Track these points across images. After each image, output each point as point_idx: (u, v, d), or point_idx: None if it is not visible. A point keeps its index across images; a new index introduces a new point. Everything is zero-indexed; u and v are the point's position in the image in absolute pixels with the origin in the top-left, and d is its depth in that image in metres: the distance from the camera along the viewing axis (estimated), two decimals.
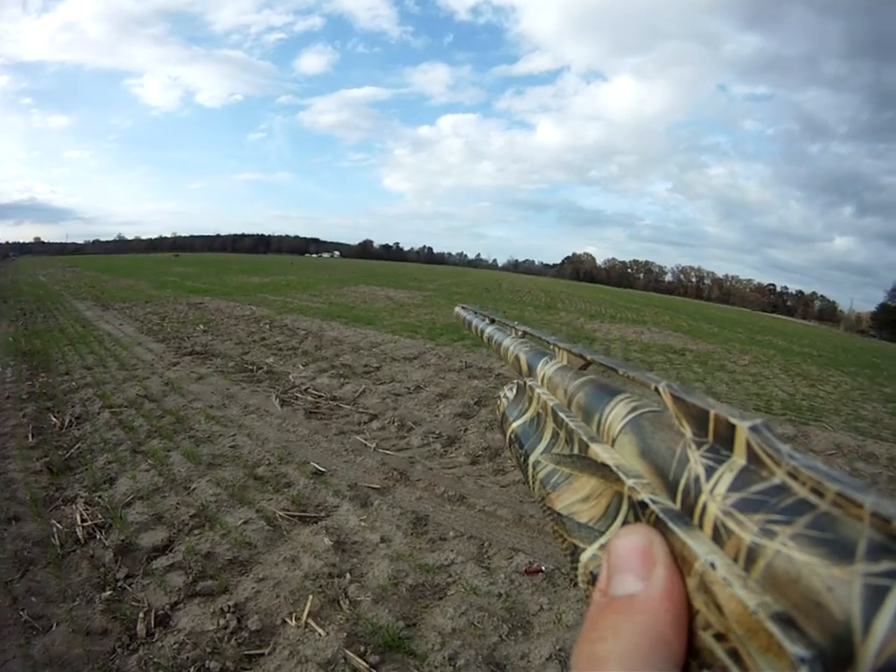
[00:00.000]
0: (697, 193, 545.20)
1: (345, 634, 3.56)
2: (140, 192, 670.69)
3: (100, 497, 5.13)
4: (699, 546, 0.31)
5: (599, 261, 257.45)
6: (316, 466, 6.05)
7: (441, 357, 12.36)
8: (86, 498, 5.10)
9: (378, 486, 5.69)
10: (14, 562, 4.21)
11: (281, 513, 4.96)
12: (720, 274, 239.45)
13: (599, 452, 0.46)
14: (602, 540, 0.43)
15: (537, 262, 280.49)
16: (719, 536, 0.31)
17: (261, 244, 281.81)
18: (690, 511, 0.34)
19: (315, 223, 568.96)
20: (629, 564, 0.35)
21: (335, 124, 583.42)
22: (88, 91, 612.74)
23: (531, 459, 0.62)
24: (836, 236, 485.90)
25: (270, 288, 29.28)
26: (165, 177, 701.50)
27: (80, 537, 4.52)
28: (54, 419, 7.21)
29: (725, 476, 0.32)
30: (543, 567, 4.41)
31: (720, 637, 0.29)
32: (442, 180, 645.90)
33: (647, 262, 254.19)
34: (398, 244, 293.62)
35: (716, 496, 0.32)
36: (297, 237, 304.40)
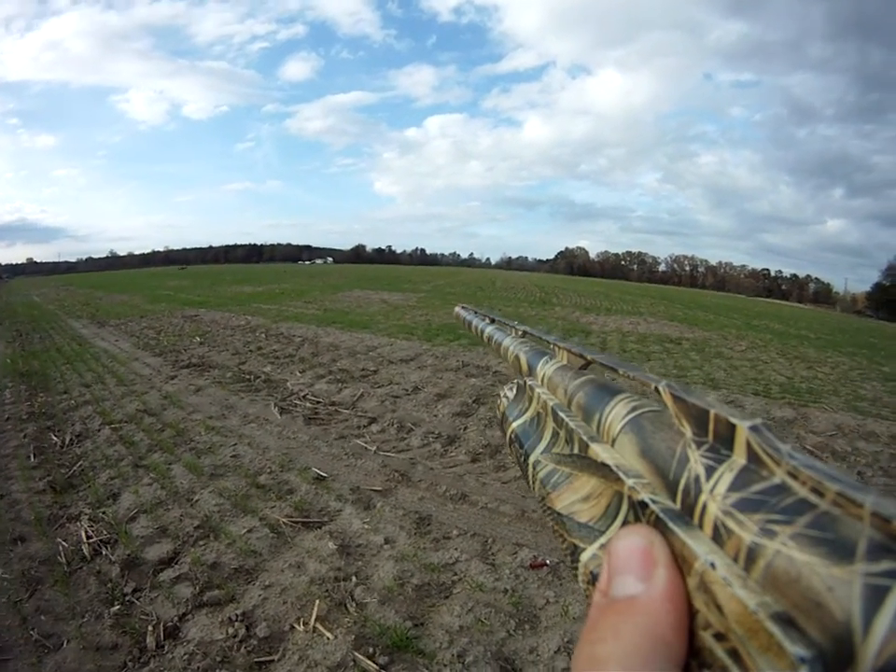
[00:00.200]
0: (688, 182, 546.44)
1: (353, 636, 3.58)
2: (130, 208, 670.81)
3: (104, 513, 5.14)
4: (699, 546, 0.32)
5: (592, 255, 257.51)
6: (318, 471, 6.06)
7: (437, 358, 12.36)
8: (90, 515, 5.11)
9: (380, 488, 5.70)
10: (22, 582, 4.22)
11: (284, 520, 4.97)
12: (713, 262, 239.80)
13: (599, 451, 0.46)
14: (602, 540, 0.43)
15: (530, 259, 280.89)
16: (719, 535, 0.31)
17: (254, 253, 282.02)
18: (690, 510, 0.34)
19: (307, 230, 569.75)
20: (630, 565, 0.35)
21: (322, 130, 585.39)
22: (74, 108, 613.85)
23: (531, 459, 0.62)
24: (828, 218, 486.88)
25: (264, 297, 29.26)
26: (155, 191, 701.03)
27: (86, 553, 4.53)
28: (55, 438, 7.21)
29: (725, 476, 0.33)
30: (548, 561, 4.42)
31: (720, 636, 0.29)
32: (432, 181, 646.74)
33: (640, 253, 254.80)
34: (390, 247, 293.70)
35: (716, 495, 0.32)
36: (289, 245, 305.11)
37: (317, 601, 3.89)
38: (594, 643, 0.33)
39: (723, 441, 0.34)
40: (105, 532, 4.81)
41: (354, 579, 4.19)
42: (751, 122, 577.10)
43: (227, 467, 6.21)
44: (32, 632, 3.67)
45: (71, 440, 7.17)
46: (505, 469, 6.18)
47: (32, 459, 6.54)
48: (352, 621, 3.74)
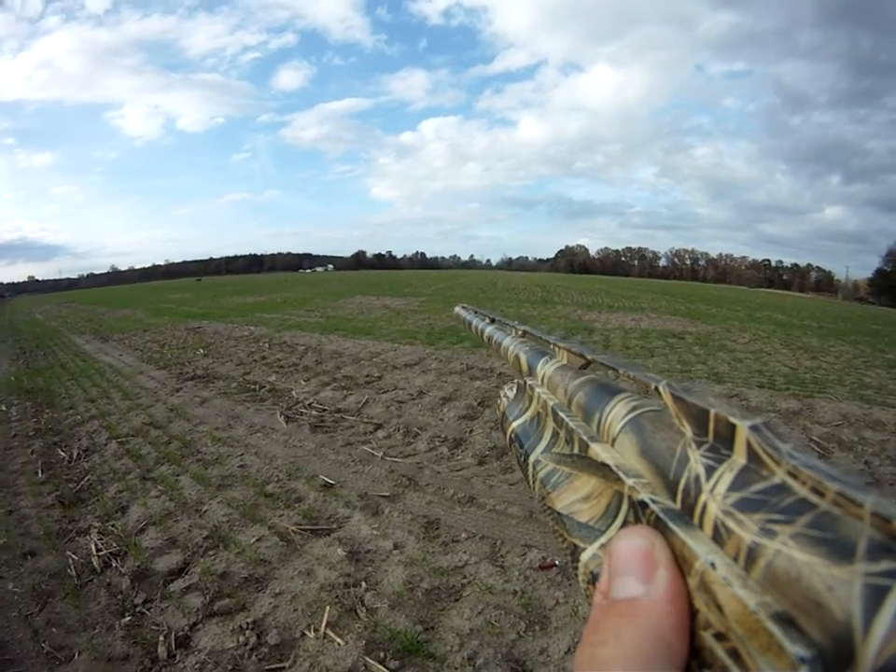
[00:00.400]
0: (685, 176, 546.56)
1: (364, 642, 3.58)
2: (130, 223, 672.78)
3: (113, 525, 5.15)
4: (699, 546, 0.31)
5: (593, 252, 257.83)
6: (325, 479, 6.06)
7: (441, 361, 12.35)
8: (99, 528, 5.13)
9: (388, 494, 5.71)
10: (33, 595, 4.24)
11: (293, 528, 4.98)
12: (714, 254, 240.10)
13: (599, 451, 0.46)
14: (602, 540, 0.43)
15: (530, 258, 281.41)
16: (719, 535, 0.31)
17: (255, 263, 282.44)
18: (690, 510, 0.34)
19: (307, 238, 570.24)
20: (631, 566, 0.35)
21: (318, 138, 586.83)
22: (70, 126, 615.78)
23: (531, 459, 0.62)
24: (826, 206, 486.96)
25: (266, 307, 29.23)
26: (154, 206, 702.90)
27: (96, 566, 4.56)
28: (62, 453, 7.24)
29: (725, 475, 0.32)
30: (557, 562, 4.42)
31: (720, 636, 0.29)
32: (430, 185, 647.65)
33: (640, 249, 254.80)
34: (390, 252, 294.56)
35: (716, 495, 0.32)
36: (289, 254, 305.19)
37: (328, 607, 3.90)
38: (595, 645, 0.33)
39: (723, 440, 0.34)
40: (114, 544, 4.84)
41: (363, 584, 4.20)
42: (745, 112, 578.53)
43: (234, 477, 6.22)
44: (43, 644, 3.70)
45: (78, 454, 7.20)
46: (512, 472, 6.16)
47: (40, 475, 6.57)
48: (362, 626, 3.74)
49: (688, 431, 0.37)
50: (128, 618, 3.92)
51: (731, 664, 0.28)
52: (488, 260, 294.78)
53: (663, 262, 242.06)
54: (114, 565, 4.57)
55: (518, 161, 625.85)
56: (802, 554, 0.25)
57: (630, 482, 0.39)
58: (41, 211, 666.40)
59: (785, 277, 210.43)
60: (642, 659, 0.30)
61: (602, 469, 0.45)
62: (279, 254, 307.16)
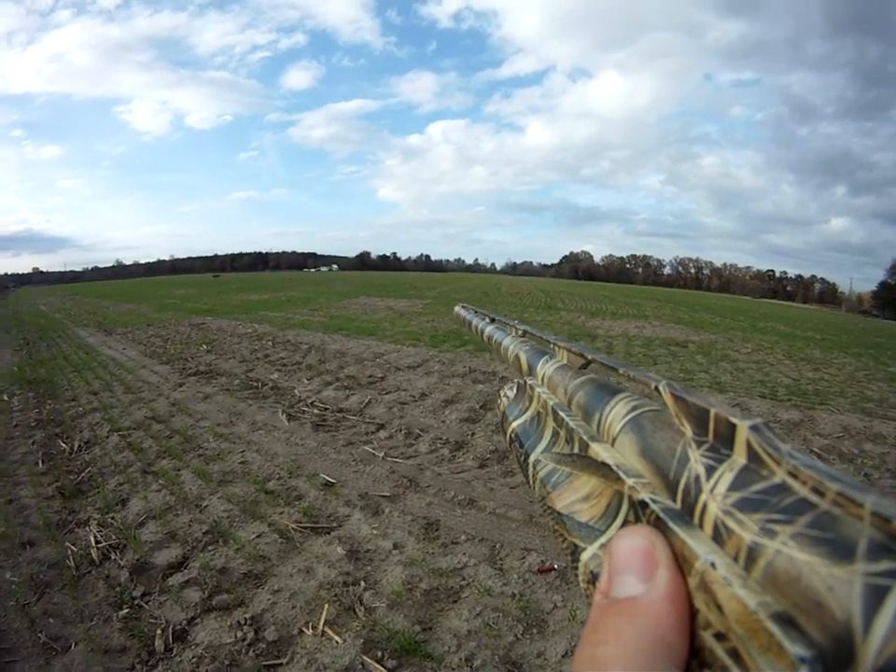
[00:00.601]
0: (691, 184, 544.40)
1: (362, 640, 3.58)
2: (136, 217, 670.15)
3: (113, 518, 5.16)
4: (699, 545, 0.32)
5: (597, 259, 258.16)
6: (326, 477, 6.07)
7: (444, 364, 12.34)
8: (99, 520, 5.14)
9: (388, 494, 5.71)
10: (30, 585, 4.25)
11: (293, 526, 4.98)
12: (718, 264, 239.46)
13: (599, 451, 0.46)
14: (602, 540, 0.43)
15: (535, 263, 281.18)
16: (719, 535, 0.31)
17: (259, 261, 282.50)
18: (690, 510, 0.34)
19: (312, 238, 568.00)
20: (631, 565, 0.35)
21: (325, 138, 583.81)
22: (78, 119, 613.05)
23: (531, 458, 0.62)
24: (832, 217, 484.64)
25: (270, 305, 29.26)
26: (160, 201, 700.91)
27: (95, 558, 4.56)
28: (63, 445, 7.26)
29: (726, 475, 0.33)
30: (556, 566, 4.42)
31: (720, 636, 0.29)
32: (436, 187, 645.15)
33: (645, 256, 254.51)
34: (395, 253, 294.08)
35: (716, 495, 0.32)
36: (294, 253, 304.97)
37: (326, 605, 3.90)
38: (595, 645, 0.33)
39: (724, 440, 0.34)
40: (113, 537, 4.84)
41: (362, 583, 4.20)
42: (753, 122, 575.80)
43: (235, 473, 6.23)
44: (40, 634, 3.70)
45: (79, 446, 7.22)
46: (513, 475, 6.17)
47: (40, 465, 6.59)
48: (361, 625, 3.74)
49: (688, 431, 0.37)
50: (126, 610, 3.92)
51: (731, 663, 0.28)
52: (493, 264, 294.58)
53: (667, 270, 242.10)
54: (113, 557, 4.58)
55: (525, 165, 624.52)
56: (802, 554, 0.25)
57: (630, 481, 0.40)
58: (47, 203, 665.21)
59: (789, 288, 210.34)
60: (643, 659, 0.30)
61: (602, 469, 0.45)
62: (284, 252, 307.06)
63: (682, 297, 70.67)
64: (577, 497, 0.49)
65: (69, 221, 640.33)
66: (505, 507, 5.44)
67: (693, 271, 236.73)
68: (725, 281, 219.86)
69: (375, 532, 4.93)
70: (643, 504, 0.37)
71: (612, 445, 0.47)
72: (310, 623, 3.75)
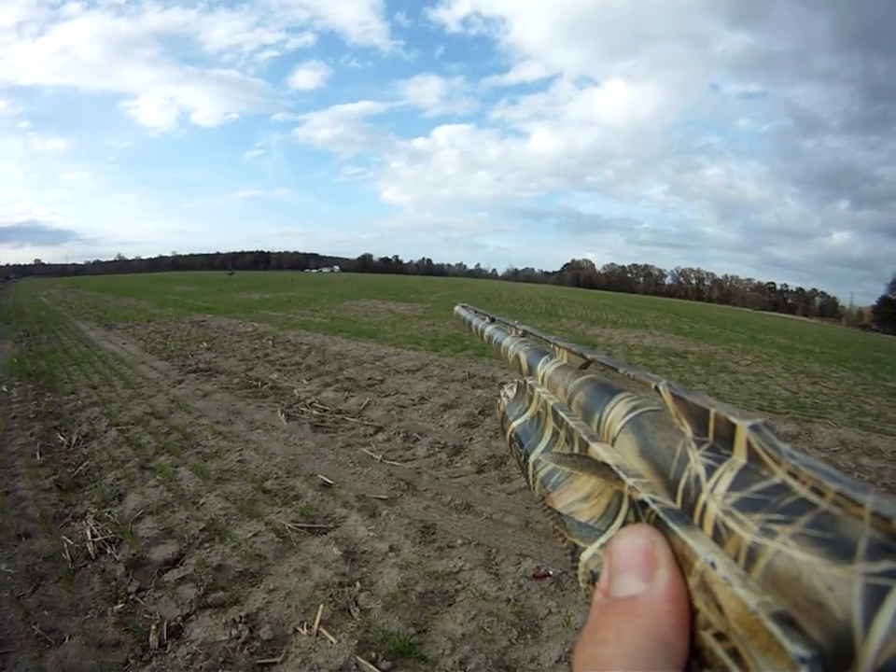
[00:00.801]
0: (694, 194, 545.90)
1: (357, 641, 3.59)
2: (139, 212, 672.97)
3: (110, 512, 5.16)
4: (699, 545, 0.32)
5: (599, 267, 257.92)
6: (324, 478, 6.06)
7: (444, 368, 12.34)
8: (96, 514, 5.13)
9: (385, 497, 5.71)
10: (26, 577, 4.24)
11: (290, 525, 4.98)
12: (719, 275, 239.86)
13: (599, 451, 0.46)
14: (602, 540, 0.43)
15: (536, 270, 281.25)
16: (719, 535, 0.31)
17: (261, 260, 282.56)
18: (690, 510, 0.35)
19: (315, 238, 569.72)
20: (631, 564, 0.35)
21: (331, 139, 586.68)
22: (85, 113, 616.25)
23: (531, 458, 0.61)
24: (834, 231, 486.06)
25: (271, 305, 29.24)
26: (164, 197, 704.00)
27: (91, 552, 4.56)
28: (61, 438, 7.25)
29: (726, 475, 0.33)
30: (551, 572, 4.42)
31: (720, 636, 0.29)
32: (440, 191, 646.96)
33: (646, 266, 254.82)
34: (397, 256, 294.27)
35: (716, 495, 0.32)
36: (296, 253, 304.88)
37: (321, 606, 3.90)
38: (595, 644, 0.33)
39: (724, 440, 0.34)
40: (110, 531, 4.84)
41: (358, 585, 4.20)
42: (758, 134, 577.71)
43: (233, 471, 6.23)
44: (34, 626, 3.70)
45: (78, 440, 7.21)
46: (510, 481, 6.17)
47: (38, 458, 6.58)
48: (355, 626, 3.74)
49: (688, 431, 0.38)
50: (121, 605, 3.92)
51: (731, 663, 0.28)
52: (494, 270, 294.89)
53: (668, 280, 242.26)
54: (109, 551, 4.58)
55: (529, 172, 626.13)
56: (802, 554, 0.26)
57: (630, 481, 0.40)
58: (52, 196, 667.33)
59: (790, 301, 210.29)
60: (643, 658, 0.30)
61: (602, 469, 0.45)
62: (286, 252, 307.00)
63: (683, 307, 70.60)
64: (577, 496, 0.49)
65: (73, 214, 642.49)
66: (502, 512, 5.44)
67: (694, 281, 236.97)
68: (726, 292, 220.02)
69: (372, 534, 4.93)
70: (643, 504, 0.38)
71: (612, 445, 0.47)
72: (305, 623, 3.75)
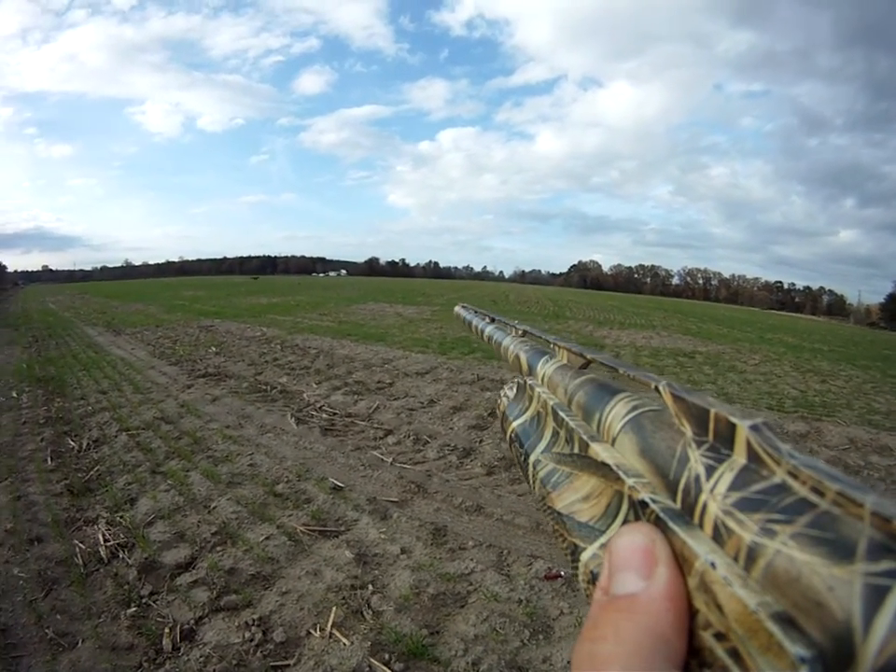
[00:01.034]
0: (700, 194, 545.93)
1: (369, 643, 3.59)
2: (146, 218, 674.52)
3: (121, 517, 5.17)
4: (699, 545, 0.32)
5: (606, 268, 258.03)
6: (335, 481, 6.07)
7: (452, 371, 12.35)
8: (107, 519, 5.15)
9: (396, 499, 5.72)
10: (38, 581, 4.26)
11: (302, 528, 4.99)
12: (726, 275, 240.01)
13: (599, 451, 0.46)
14: (602, 539, 0.43)
15: (543, 272, 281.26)
16: (719, 535, 0.31)
17: (268, 265, 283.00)
18: (690, 510, 0.34)
19: (321, 242, 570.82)
20: (631, 562, 0.35)
21: (336, 143, 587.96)
22: (90, 119, 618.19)
23: (531, 458, 0.61)
24: (840, 229, 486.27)
25: (279, 309, 29.26)
26: (171, 203, 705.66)
27: (103, 556, 4.57)
28: (72, 443, 7.27)
29: (726, 475, 0.32)
30: (563, 573, 4.42)
31: (720, 636, 0.29)
32: (446, 195, 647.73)
33: (653, 267, 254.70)
34: (404, 260, 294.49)
35: (716, 495, 0.32)
36: (303, 257, 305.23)
37: (334, 608, 3.91)
38: (594, 641, 0.33)
39: (724, 440, 0.34)
40: (122, 536, 4.86)
41: (370, 587, 4.21)
42: (762, 133, 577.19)
43: (244, 475, 6.24)
44: (47, 630, 3.71)
45: (88, 444, 7.24)
46: (520, 482, 6.14)
47: (49, 462, 6.60)
48: (368, 628, 3.75)
49: (688, 431, 0.38)
50: (133, 609, 3.93)
51: (731, 663, 0.28)
52: (501, 272, 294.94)
53: (675, 281, 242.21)
54: (121, 555, 4.59)
55: (535, 174, 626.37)
56: (802, 554, 0.25)
57: (630, 481, 0.40)
58: (58, 202, 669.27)
59: (797, 300, 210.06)
60: (641, 657, 0.30)
61: (602, 469, 0.45)
62: (293, 256, 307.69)
63: (690, 307, 70.48)
64: (577, 496, 0.49)
65: (79, 220, 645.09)
66: (512, 514, 5.44)
67: (701, 281, 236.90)
68: (733, 292, 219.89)
69: (383, 536, 4.94)
70: (643, 504, 0.38)
71: (612, 445, 0.47)
72: (318, 625, 3.76)
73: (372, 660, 3.44)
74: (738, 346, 22.04)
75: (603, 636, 0.33)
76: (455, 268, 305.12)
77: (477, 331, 1.15)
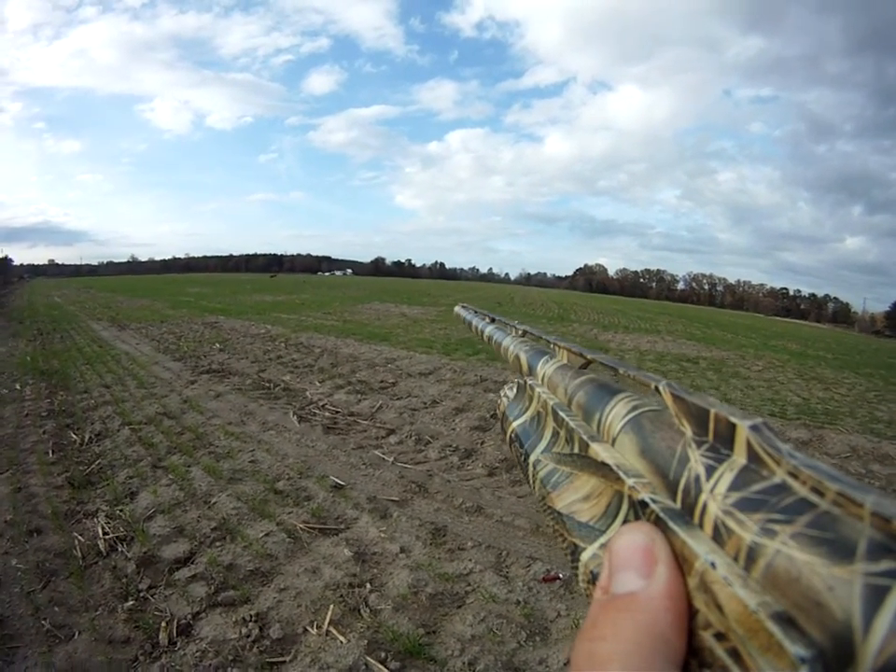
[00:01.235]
0: (707, 199, 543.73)
1: (366, 641, 3.59)
2: (153, 214, 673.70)
3: (121, 510, 5.19)
4: (699, 545, 0.32)
5: (611, 272, 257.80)
6: (336, 479, 6.08)
7: (456, 372, 12.35)
8: (107, 512, 5.16)
9: (397, 499, 5.72)
10: (36, 573, 4.27)
11: (301, 526, 5.00)
12: (732, 280, 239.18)
13: (599, 451, 0.46)
14: (602, 539, 0.43)
15: (549, 275, 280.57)
16: (719, 535, 0.31)
17: (274, 263, 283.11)
18: (690, 510, 0.34)
19: (328, 241, 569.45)
20: (631, 561, 0.35)
21: (345, 143, 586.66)
22: (100, 115, 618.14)
23: (531, 458, 0.62)
24: (847, 236, 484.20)
25: (284, 307, 29.34)
26: (178, 199, 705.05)
27: (102, 549, 4.58)
28: (74, 436, 7.29)
29: (726, 475, 0.33)
30: (561, 575, 4.41)
31: (720, 636, 0.29)
32: (453, 196, 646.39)
33: (659, 271, 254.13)
34: (409, 260, 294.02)
35: (716, 495, 0.32)
36: (309, 255, 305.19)
37: (332, 606, 3.91)
38: (593, 640, 0.33)
39: (724, 440, 0.34)
40: (121, 529, 4.87)
41: (368, 585, 4.21)
42: (770, 138, 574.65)
43: (245, 471, 6.25)
44: (44, 622, 3.72)
45: (90, 438, 7.26)
46: (521, 484, 6.15)
47: (50, 455, 6.63)
48: (365, 626, 3.75)
49: (688, 431, 0.38)
50: (131, 602, 3.94)
51: (731, 663, 0.28)
52: (507, 274, 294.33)
53: (681, 286, 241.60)
54: (120, 549, 4.60)
55: (542, 176, 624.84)
56: (802, 554, 0.25)
57: (630, 481, 0.40)
58: (66, 196, 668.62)
59: (802, 307, 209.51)
60: (641, 656, 0.30)
61: (602, 469, 0.45)
62: (299, 255, 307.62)
63: (695, 313, 70.51)
64: (577, 496, 0.49)
65: (87, 215, 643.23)
66: (512, 515, 5.44)
67: (706, 287, 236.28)
68: (738, 298, 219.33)
69: (383, 535, 4.94)
70: (643, 504, 0.38)
71: (612, 445, 0.47)
72: (315, 623, 3.76)
73: (369, 658, 3.44)
74: (742, 352, 22.02)
75: (602, 635, 0.33)
76: (461, 269, 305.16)
77: (477, 331, 1.15)
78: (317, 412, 8.75)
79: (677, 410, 0.39)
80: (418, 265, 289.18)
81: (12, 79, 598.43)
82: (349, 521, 5.20)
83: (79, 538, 4.73)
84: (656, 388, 0.42)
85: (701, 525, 0.33)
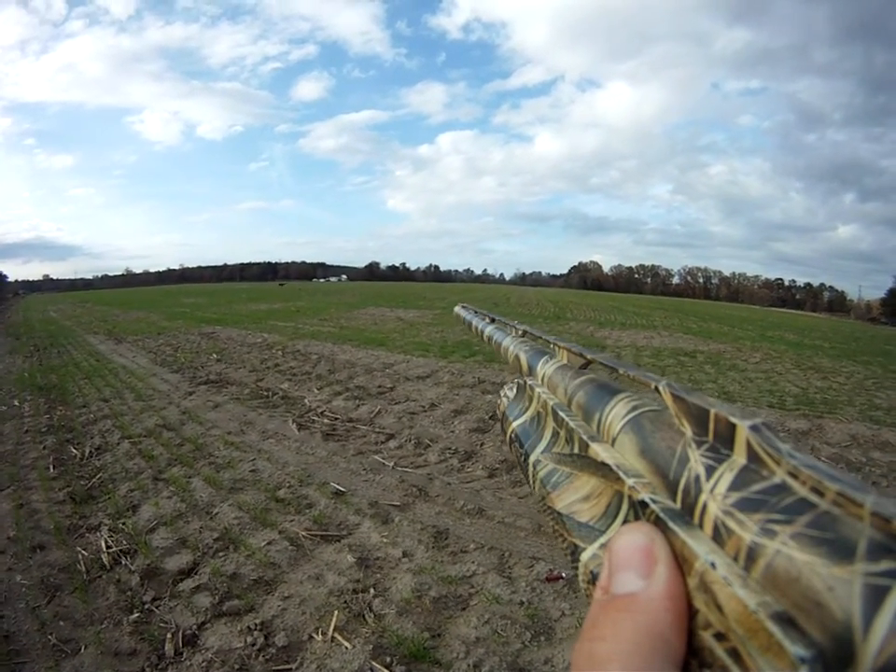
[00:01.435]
0: (699, 193, 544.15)
1: (371, 646, 3.60)
2: (147, 226, 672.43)
3: (124, 524, 5.19)
4: (699, 545, 0.32)
5: (606, 269, 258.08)
6: (337, 486, 6.08)
7: (453, 374, 12.33)
8: (110, 526, 5.17)
9: (398, 503, 5.72)
10: (41, 588, 4.28)
11: (304, 533, 5.00)
12: (727, 273, 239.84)
13: (599, 451, 0.46)
14: (602, 540, 0.43)
15: (544, 274, 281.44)
16: (719, 535, 0.31)
17: (269, 271, 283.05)
18: (690, 510, 0.34)
19: (321, 248, 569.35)
20: (631, 562, 0.35)
21: (335, 149, 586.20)
22: (90, 129, 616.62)
23: (531, 458, 0.61)
24: (840, 224, 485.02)
25: (280, 315, 29.22)
26: (171, 210, 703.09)
27: (106, 562, 4.59)
28: (74, 450, 7.30)
29: (725, 475, 0.33)
30: (564, 574, 4.40)
31: (720, 636, 0.29)
32: (445, 198, 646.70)
33: (653, 266, 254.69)
34: (404, 264, 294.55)
35: (716, 495, 0.32)
36: (303, 263, 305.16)
37: (336, 612, 3.92)
38: (593, 640, 0.33)
39: (724, 440, 0.34)
40: (124, 542, 4.87)
41: (372, 591, 4.22)
42: (760, 130, 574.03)
43: (246, 481, 6.25)
44: (50, 636, 3.73)
45: (90, 452, 7.26)
46: (521, 485, 6.15)
47: (51, 470, 6.63)
48: (370, 631, 3.76)
49: (688, 431, 0.38)
50: (136, 614, 3.95)
51: (731, 663, 0.28)
52: (501, 275, 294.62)
53: (676, 280, 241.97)
54: (123, 562, 4.61)
55: (533, 176, 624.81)
56: (802, 554, 0.25)
57: (630, 481, 0.40)
58: (58, 211, 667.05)
59: (798, 297, 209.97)
60: (641, 656, 0.30)
61: (602, 469, 0.45)
62: (293, 262, 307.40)
63: (691, 306, 70.38)
64: (577, 496, 0.49)
65: (80, 229, 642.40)
66: (514, 516, 5.45)
67: (701, 280, 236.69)
68: (734, 290, 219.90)
69: (385, 540, 4.95)
70: (643, 504, 0.38)
71: (612, 445, 0.47)
72: (320, 629, 3.77)
73: (374, 663, 3.45)
74: (739, 345, 21.96)
75: (602, 635, 0.33)
76: (456, 271, 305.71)
77: (477, 332, 1.15)
78: (316, 419, 8.75)
79: (677, 410, 0.39)
80: (413, 268, 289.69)
81: (1, 95, 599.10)
82: (351, 527, 5.20)
83: (83, 552, 4.74)
84: (656, 388, 0.42)
85: (701, 526, 0.33)
